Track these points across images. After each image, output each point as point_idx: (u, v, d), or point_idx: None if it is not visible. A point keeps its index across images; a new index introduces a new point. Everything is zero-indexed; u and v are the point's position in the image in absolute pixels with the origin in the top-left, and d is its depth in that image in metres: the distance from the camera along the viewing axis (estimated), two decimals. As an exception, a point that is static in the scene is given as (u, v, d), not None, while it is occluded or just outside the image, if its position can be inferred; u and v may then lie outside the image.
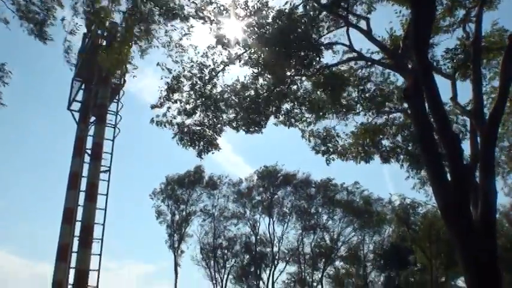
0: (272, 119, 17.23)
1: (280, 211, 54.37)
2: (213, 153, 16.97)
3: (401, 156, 18.00)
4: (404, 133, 17.86)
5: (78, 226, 27.66)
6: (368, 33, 14.89)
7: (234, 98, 16.32)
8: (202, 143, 16.59)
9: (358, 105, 17.41)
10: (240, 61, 15.67)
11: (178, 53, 14.98)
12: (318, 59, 15.44)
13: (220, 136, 16.77)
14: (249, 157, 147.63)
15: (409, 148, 17.79)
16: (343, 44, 15.68)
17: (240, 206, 54.39)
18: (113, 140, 30.04)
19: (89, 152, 29.48)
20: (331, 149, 18.12)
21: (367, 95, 17.17)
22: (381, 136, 17.85)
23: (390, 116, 17.89)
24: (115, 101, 31.65)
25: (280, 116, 17.25)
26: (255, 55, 15.34)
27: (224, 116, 16.63)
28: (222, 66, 15.79)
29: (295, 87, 17.01)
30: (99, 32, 23.60)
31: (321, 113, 17.50)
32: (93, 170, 28.38)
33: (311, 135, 18.15)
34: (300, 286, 54.94)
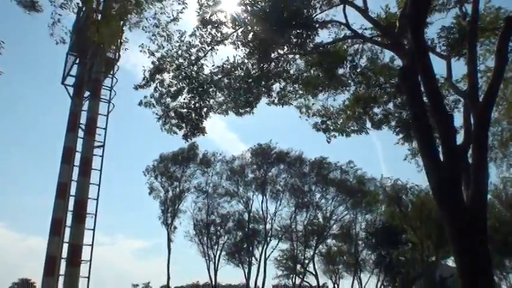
0: (264, 99, 17.09)
1: (274, 189, 54.54)
2: (198, 137, 16.81)
3: (393, 123, 18.02)
4: (396, 101, 17.83)
5: (71, 201, 27.65)
6: (364, 11, 14.73)
7: (223, 78, 16.08)
8: (188, 126, 16.37)
9: (350, 80, 17.33)
10: (230, 40, 15.43)
11: (164, 37, 14.75)
12: (312, 37, 15.30)
13: (206, 120, 16.55)
14: (243, 135, 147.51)
15: (402, 115, 17.79)
16: (339, 22, 15.51)
17: (234, 183, 54.51)
18: (107, 116, 29.87)
19: (83, 127, 29.32)
20: (331, 127, 18.06)
21: (358, 70, 17.07)
22: (372, 104, 17.80)
23: (380, 88, 17.82)
24: (109, 76, 31.40)
25: (273, 96, 17.12)
26: (247, 33, 15.12)
27: (212, 100, 16.40)
28: (210, 46, 15.53)
29: (287, 66, 16.85)
30: (94, 5, 23.26)
31: (315, 91, 17.39)
32: (87, 145, 28.26)
33: (310, 113, 18.07)
34: (291, 263, 55.34)
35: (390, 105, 18.08)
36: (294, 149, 54.90)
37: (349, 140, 18.17)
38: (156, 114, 16.17)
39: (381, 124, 18.03)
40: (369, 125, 18.08)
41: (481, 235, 10.77)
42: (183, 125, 16.27)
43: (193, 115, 16.34)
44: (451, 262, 47.20)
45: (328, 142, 18.01)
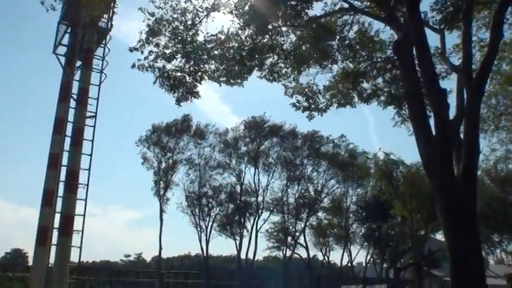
0: (255, 72, 17.00)
1: (266, 162, 54.67)
2: (191, 101, 16.74)
3: (382, 98, 18.00)
4: (386, 76, 17.77)
5: (63, 171, 27.59)
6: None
7: (216, 48, 15.98)
8: (181, 90, 16.32)
9: (338, 53, 17.24)
10: (227, 9, 15.28)
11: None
12: (307, 9, 15.15)
13: (200, 84, 16.50)
14: (236, 107, 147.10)
15: (391, 89, 17.77)
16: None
17: (226, 155, 54.56)
18: (99, 86, 29.63)
19: (75, 97, 29.08)
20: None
21: (346, 42, 16.96)
22: (361, 79, 17.76)
23: (370, 63, 17.74)
24: (101, 45, 31.05)
25: (264, 70, 17.03)
26: (243, 2, 14.96)
27: (206, 66, 16.34)
28: (206, 12, 15.38)
29: (281, 39, 16.73)
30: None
31: (305, 65, 17.30)
32: (79, 115, 28.09)
33: (294, 92, 18.03)
34: (282, 235, 55.75)
35: (379, 80, 18.04)
36: (287, 123, 54.92)
37: (341, 114, 18.19)
38: (153, 75, 16.09)
39: (370, 99, 18.03)
40: (357, 99, 18.09)
41: (470, 210, 10.86)
42: (176, 88, 16.21)
43: (188, 78, 16.27)
44: (439, 236, 47.68)
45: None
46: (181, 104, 16.47)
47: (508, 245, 61.22)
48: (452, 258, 10.76)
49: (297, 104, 17.95)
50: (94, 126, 28.28)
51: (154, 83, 16.16)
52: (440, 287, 49.65)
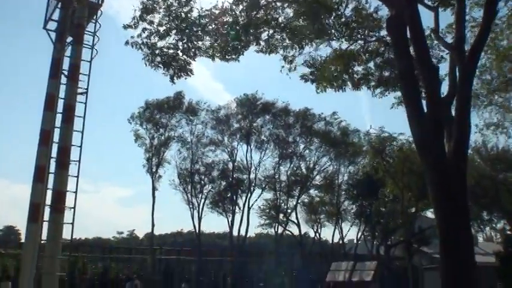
0: (252, 47, 16.96)
1: (258, 139, 54.74)
2: (185, 78, 16.72)
3: (373, 83, 18.04)
4: (377, 60, 17.78)
5: (55, 148, 27.43)
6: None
7: (211, 23, 15.90)
8: (174, 67, 16.27)
9: (334, 31, 17.19)
10: None
11: None
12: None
13: (194, 61, 16.46)
14: (229, 85, 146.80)
15: (382, 74, 17.79)
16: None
17: (218, 133, 54.53)
18: (90, 62, 29.26)
19: (66, 73, 28.79)
20: (320, 77, 17.99)
21: (342, 19, 16.91)
22: (353, 62, 17.75)
23: (364, 43, 17.71)
24: (93, 21, 30.64)
25: (261, 43, 16.96)
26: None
27: (200, 43, 16.27)
28: None
29: (276, 14, 16.66)
30: None
31: (302, 42, 17.25)
32: (70, 91, 27.79)
33: (295, 63, 17.96)
34: (274, 212, 56.07)
35: (371, 64, 18.04)
36: (279, 100, 54.88)
37: (334, 92, 18.16)
38: (143, 52, 16.02)
39: (360, 84, 18.03)
40: (348, 84, 18.08)
41: (460, 186, 10.98)
42: (170, 66, 16.17)
43: (181, 55, 16.23)
44: (430, 214, 48.11)
45: (318, 93, 18.01)
46: (174, 81, 16.46)
47: (497, 223, 61.88)
48: (442, 235, 10.91)
49: (306, 76, 17.87)
50: (85, 103, 27.92)
51: (144, 59, 16.09)
52: (430, 263, 50.31)
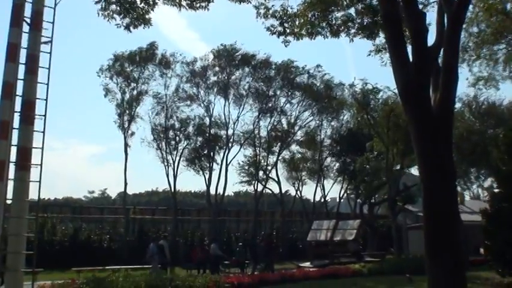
0: None
1: (237, 93, 54.45)
2: (143, 28, 16.40)
3: (353, 30, 17.97)
4: (358, 6, 17.67)
5: (18, 101, 27.04)
6: None
7: None
8: (132, 15, 15.91)
9: None
10: None
11: None
12: None
13: (153, 10, 16.07)
14: (205, 34, 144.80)
15: (363, 21, 17.72)
16: None
17: (194, 86, 54.06)
18: (54, 8, 28.56)
19: (28, 20, 28.16)
20: (288, 30, 17.85)
21: None
22: (333, 7, 17.61)
23: None
24: (56, -37, 29.83)
25: None
26: None
27: None
28: None
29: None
30: None
31: None
32: (33, 41, 27.11)
33: (267, 14, 17.75)
34: (254, 169, 56.32)
35: (352, 11, 17.90)
36: (261, 52, 54.37)
37: (317, 44, 18.17)
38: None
39: (339, 32, 17.93)
40: (327, 31, 17.96)
41: (445, 139, 11.11)
42: (125, 13, 15.80)
43: (139, 2, 15.86)
44: (415, 171, 48.86)
45: (286, 46, 17.95)
46: (130, 30, 16.11)
47: (484, 181, 63.17)
48: (425, 192, 11.06)
49: (272, 28, 17.74)
50: (50, 53, 27.22)
51: (97, 4, 15.68)
52: (415, 222, 51.41)
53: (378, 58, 21.60)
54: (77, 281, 22.19)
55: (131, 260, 37.81)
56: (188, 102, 54.32)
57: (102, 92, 51.34)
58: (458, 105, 46.89)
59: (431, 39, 12.64)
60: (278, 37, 17.72)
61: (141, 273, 25.66)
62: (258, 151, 56.19)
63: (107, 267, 30.61)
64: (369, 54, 20.75)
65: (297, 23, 17.50)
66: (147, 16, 15.99)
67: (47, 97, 26.86)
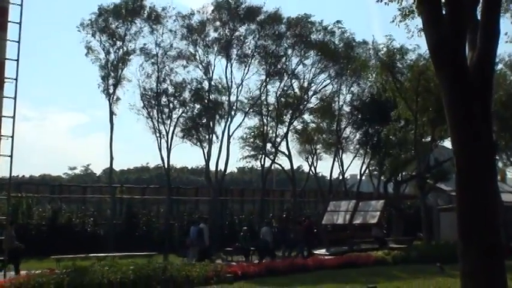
0: None
1: (241, 52, 54.05)
2: None
3: None
4: None
5: (-15, 62, 27.01)
6: None
7: None
8: None
9: None
10: None
11: None
12: None
13: None
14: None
15: None
16: None
17: (191, 44, 53.63)
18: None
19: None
20: None
21: None
22: None
23: None
24: None
25: None
26: None
27: None
28: None
29: None
30: None
31: None
32: (1, -11, 27.12)
33: None
34: (260, 142, 56.16)
35: None
36: (268, 3, 53.92)
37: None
38: None
39: None
40: None
41: (484, 106, 11.01)
42: None
43: None
44: (448, 143, 48.61)
45: None
46: None
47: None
48: (459, 167, 10.98)
49: None
50: (21, 5, 27.29)
51: None
52: (448, 203, 51.39)
53: (404, 27, 21.43)
54: (56, 270, 22.37)
55: (118, 246, 38.17)
56: (184, 63, 53.89)
57: (83, 51, 50.97)
58: (499, 66, 46.40)
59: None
60: None
61: (130, 261, 25.84)
62: (265, 120, 55.96)
63: (91, 255, 30.91)
64: (393, 21, 20.60)
65: None
66: None
67: (18, 57, 26.95)
